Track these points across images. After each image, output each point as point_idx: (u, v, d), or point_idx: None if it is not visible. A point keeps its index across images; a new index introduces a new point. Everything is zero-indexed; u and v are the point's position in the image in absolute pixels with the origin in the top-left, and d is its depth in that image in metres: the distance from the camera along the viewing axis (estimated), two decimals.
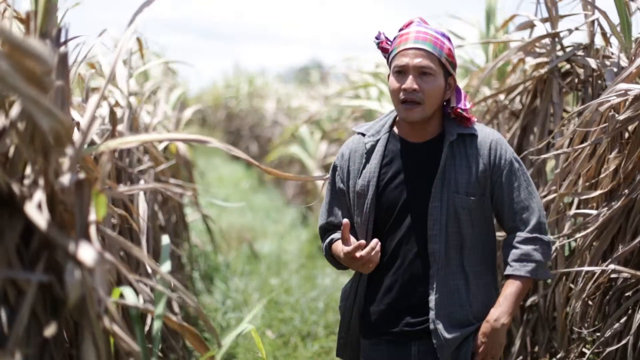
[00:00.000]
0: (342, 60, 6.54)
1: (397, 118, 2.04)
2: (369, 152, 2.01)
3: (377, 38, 2.03)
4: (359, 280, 2.04)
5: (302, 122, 7.71)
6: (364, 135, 2.05)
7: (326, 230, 2.11)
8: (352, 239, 1.90)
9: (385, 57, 2.02)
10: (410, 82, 1.88)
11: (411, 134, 1.99)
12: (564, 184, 2.57)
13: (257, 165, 1.57)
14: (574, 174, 2.54)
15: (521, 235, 1.94)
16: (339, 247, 1.97)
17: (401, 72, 1.91)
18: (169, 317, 1.37)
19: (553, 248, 2.74)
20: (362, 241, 1.87)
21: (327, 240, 2.07)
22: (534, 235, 1.94)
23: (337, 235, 2.05)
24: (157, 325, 1.32)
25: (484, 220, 1.98)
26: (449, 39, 1.96)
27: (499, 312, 1.90)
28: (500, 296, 1.92)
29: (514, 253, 1.93)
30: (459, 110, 1.95)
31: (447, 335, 1.90)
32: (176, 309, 3.18)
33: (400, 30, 1.98)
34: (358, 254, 1.86)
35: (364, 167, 2.01)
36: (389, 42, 2.01)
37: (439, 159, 1.94)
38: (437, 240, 1.91)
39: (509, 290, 1.91)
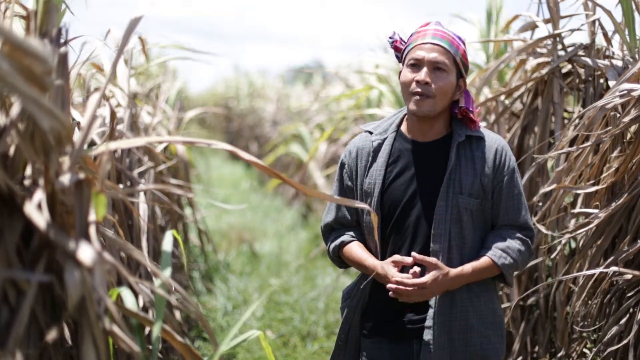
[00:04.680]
0: (344, 64, 6.55)
1: (405, 117, 2.05)
2: (376, 151, 2.02)
3: (391, 37, 2.05)
4: (365, 279, 2.04)
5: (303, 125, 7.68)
6: (371, 133, 2.06)
7: (332, 228, 2.11)
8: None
9: (397, 56, 2.05)
10: (424, 75, 1.90)
11: (418, 134, 2.00)
12: (566, 180, 2.56)
13: (274, 173, 1.42)
14: (576, 171, 2.54)
15: (515, 233, 1.97)
16: (366, 256, 1.98)
17: (415, 65, 1.93)
18: (167, 331, 1.36)
19: (558, 248, 2.75)
20: (417, 271, 1.88)
21: (337, 243, 2.06)
22: (527, 239, 1.98)
23: (347, 237, 2.06)
24: (157, 331, 1.31)
25: (484, 222, 1.99)
26: (464, 42, 1.99)
27: (460, 277, 1.90)
28: (472, 264, 1.92)
29: (501, 242, 1.94)
30: (466, 110, 1.97)
31: (439, 338, 1.91)
32: (176, 312, 3.17)
33: (417, 29, 2.01)
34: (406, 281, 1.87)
35: (370, 166, 2.02)
36: (403, 43, 2.03)
37: (445, 159, 1.95)
38: (440, 239, 1.92)
39: (483, 265, 1.92)
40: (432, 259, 1.88)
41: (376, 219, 1.84)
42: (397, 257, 1.91)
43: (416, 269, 1.88)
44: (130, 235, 2.74)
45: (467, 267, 1.92)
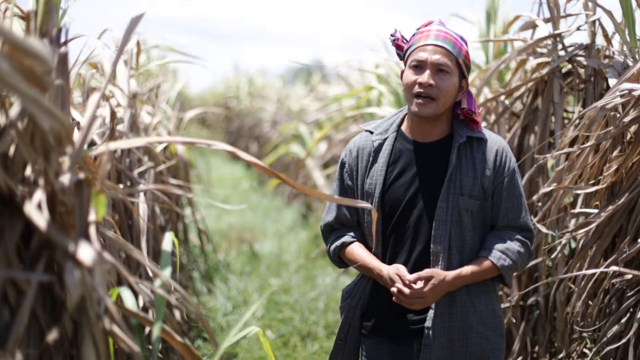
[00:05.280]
0: (344, 62, 6.54)
1: (406, 117, 2.05)
2: (377, 151, 2.02)
3: (392, 35, 2.04)
4: (365, 279, 2.04)
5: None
6: (371, 132, 2.06)
7: (332, 228, 2.11)
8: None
9: (398, 54, 2.04)
10: (427, 77, 1.90)
11: (419, 134, 2.00)
12: (566, 180, 2.56)
13: (274, 174, 1.42)
14: (576, 170, 2.54)
15: (515, 234, 1.97)
16: (369, 259, 1.98)
17: (418, 67, 1.93)
18: (167, 331, 1.36)
19: (558, 248, 2.75)
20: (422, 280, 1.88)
21: (338, 244, 2.06)
22: (526, 240, 1.98)
23: (348, 238, 2.05)
24: (157, 331, 1.31)
25: (484, 223, 1.99)
26: (466, 43, 1.99)
27: (459, 279, 1.90)
28: (471, 266, 1.92)
29: (500, 243, 1.95)
30: (469, 112, 1.97)
31: (439, 338, 1.91)
32: (176, 312, 3.17)
33: (419, 28, 2.00)
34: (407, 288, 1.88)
35: (371, 166, 2.02)
36: (405, 41, 2.02)
37: (446, 160, 1.95)
38: (440, 240, 1.92)
39: (482, 267, 1.92)
40: (426, 273, 1.88)
41: (376, 215, 1.84)
42: (401, 268, 1.91)
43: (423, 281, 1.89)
44: (130, 235, 2.74)
45: (466, 269, 1.92)
